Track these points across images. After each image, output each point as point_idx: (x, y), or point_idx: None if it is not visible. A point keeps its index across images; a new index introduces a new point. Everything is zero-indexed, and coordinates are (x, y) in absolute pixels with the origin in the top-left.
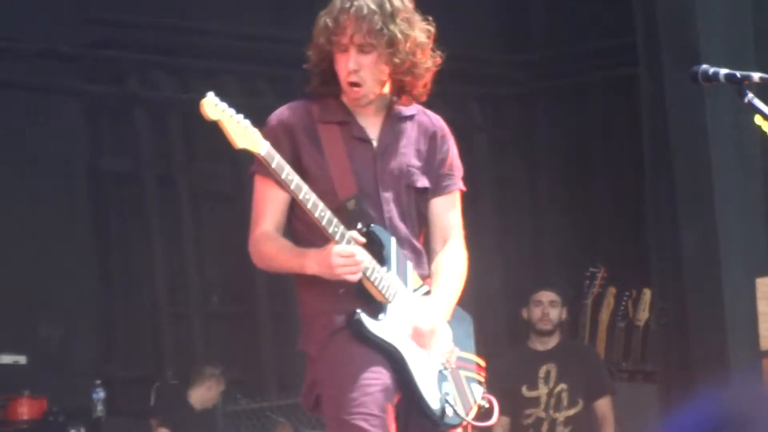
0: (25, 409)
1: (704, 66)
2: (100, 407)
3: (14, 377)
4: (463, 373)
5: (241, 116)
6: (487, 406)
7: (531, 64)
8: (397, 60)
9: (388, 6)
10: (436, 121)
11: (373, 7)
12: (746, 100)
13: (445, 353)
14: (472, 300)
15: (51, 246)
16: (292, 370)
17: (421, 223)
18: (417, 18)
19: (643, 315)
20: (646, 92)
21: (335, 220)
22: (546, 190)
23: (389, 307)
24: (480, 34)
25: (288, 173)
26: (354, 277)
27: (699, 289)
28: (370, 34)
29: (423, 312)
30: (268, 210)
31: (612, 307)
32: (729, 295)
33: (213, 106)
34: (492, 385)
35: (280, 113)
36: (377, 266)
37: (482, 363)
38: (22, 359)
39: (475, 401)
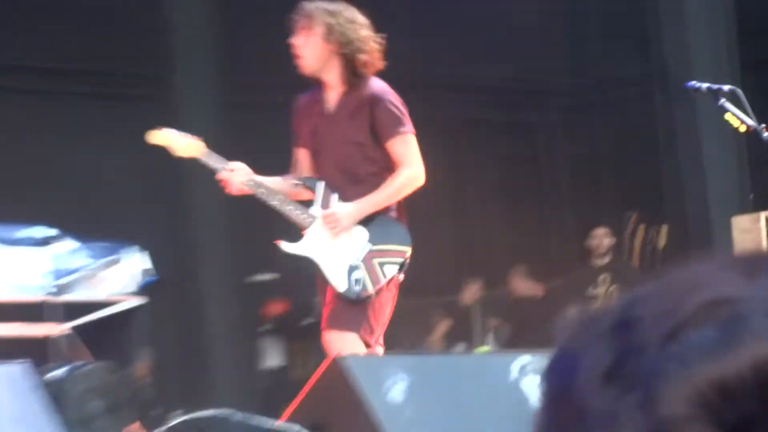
0: (275, 309)
1: (692, 82)
2: None
3: (269, 288)
4: (376, 260)
5: (181, 133)
6: (401, 277)
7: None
8: (335, 38)
9: (331, 7)
10: (371, 90)
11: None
12: (719, 104)
13: (356, 250)
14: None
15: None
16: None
17: (369, 164)
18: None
19: (662, 242)
20: (659, 105)
21: (258, 182)
22: (603, 175)
23: (308, 231)
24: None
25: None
26: (231, 190)
27: (696, 223)
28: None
29: (333, 208)
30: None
31: (642, 237)
32: (716, 228)
33: (163, 138)
34: (570, 288)
35: (297, 99)
36: (297, 203)
37: (405, 250)
38: (273, 276)
39: (385, 276)
